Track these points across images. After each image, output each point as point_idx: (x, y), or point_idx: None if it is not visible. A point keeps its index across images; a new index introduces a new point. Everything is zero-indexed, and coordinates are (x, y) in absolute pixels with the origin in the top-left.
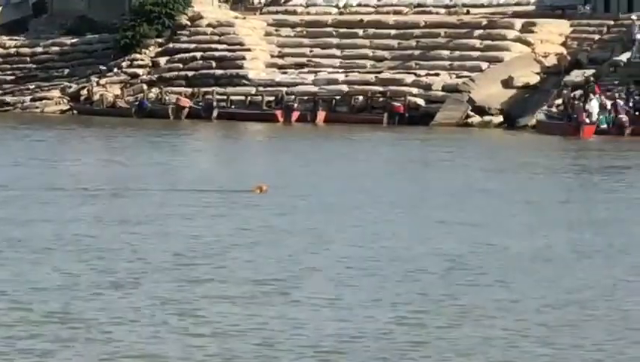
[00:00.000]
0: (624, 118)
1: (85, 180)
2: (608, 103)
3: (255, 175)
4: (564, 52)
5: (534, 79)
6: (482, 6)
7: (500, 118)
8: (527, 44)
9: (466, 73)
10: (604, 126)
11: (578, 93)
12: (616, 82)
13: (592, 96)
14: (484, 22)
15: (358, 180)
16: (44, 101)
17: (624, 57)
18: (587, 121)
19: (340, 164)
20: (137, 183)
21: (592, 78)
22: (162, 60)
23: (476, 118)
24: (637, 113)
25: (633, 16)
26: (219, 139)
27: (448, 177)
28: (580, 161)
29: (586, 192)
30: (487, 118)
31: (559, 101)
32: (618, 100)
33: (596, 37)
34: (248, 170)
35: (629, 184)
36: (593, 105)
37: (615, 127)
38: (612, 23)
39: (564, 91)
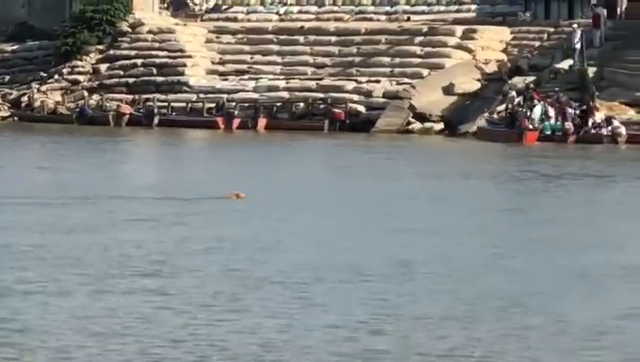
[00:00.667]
0: (568, 125)
1: (32, 188)
2: (550, 110)
3: (202, 182)
4: (505, 59)
5: (475, 86)
6: (423, 13)
7: (441, 125)
8: (468, 50)
9: (406, 80)
10: (549, 132)
11: (519, 99)
12: (556, 89)
13: (535, 102)
14: (425, 29)
15: (304, 187)
16: None
17: (565, 64)
18: (530, 127)
19: (284, 170)
20: (90, 191)
21: (531, 85)
22: (103, 67)
23: (417, 125)
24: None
25: (574, 25)
26: (161, 147)
27: (391, 184)
28: (523, 168)
29: (526, 198)
30: (428, 124)
31: (501, 108)
32: (567, 108)
33: (537, 44)
34: (195, 178)
35: (568, 190)
36: (536, 112)
37: (560, 134)
38: (552, 29)
39: (509, 95)
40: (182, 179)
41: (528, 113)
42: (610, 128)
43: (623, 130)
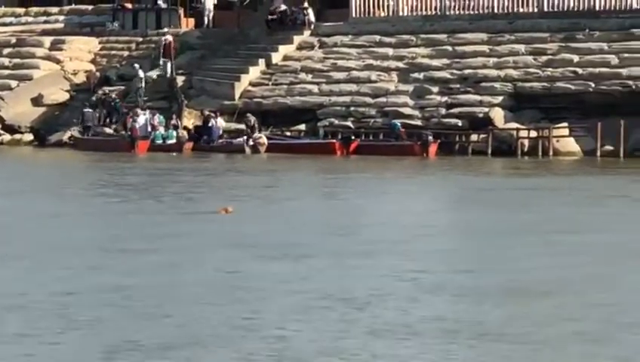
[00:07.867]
0: (183, 133)
1: None
2: (156, 120)
3: None
4: (94, 69)
5: (64, 96)
6: (11, 24)
7: (31, 136)
8: (57, 61)
9: None
10: (160, 142)
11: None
12: (145, 98)
13: (139, 111)
14: (13, 40)
15: None
16: None
17: (154, 74)
18: (140, 136)
19: None
20: None
21: (114, 95)
22: None
23: (7, 137)
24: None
25: (136, 65)
26: None
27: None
28: (136, 179)
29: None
30: (17, 136)
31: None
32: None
33: (125, 53)
34: None
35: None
36: (140, 121)
37: (176, 143)
38: (141, 39)
39: (89, 110)
40: None
41: (134, 123)
42: (251, 138)
43: (264, 139)
